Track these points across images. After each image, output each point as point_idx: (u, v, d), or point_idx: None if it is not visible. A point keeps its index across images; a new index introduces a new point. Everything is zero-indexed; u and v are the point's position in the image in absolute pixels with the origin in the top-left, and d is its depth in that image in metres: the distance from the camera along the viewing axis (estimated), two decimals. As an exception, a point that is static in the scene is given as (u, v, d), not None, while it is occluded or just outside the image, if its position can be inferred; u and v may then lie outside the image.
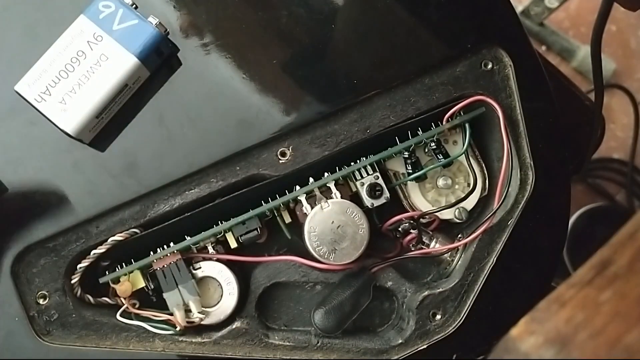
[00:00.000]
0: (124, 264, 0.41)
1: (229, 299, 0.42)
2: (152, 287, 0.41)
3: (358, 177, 0.42)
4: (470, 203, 0.44)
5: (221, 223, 0.41)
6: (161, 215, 0.41)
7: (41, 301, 0.41)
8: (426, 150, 0.44)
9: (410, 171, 0.43)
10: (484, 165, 0.45)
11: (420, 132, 0.43)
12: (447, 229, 0.45)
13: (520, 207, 0.43)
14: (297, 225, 0.42)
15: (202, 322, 0.41)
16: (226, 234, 0.42)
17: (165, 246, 0.41)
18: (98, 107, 0.39)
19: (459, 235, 0.45)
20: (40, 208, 0.40)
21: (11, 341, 0.40)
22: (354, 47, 0.43)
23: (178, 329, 0.41)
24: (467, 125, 0.43)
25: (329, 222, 0.41)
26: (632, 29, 1.11)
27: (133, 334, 0.41)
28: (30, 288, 0.40)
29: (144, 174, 0.41)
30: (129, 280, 0.41)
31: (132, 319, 0.41)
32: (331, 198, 0.41)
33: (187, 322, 0.41)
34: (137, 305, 0.41)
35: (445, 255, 0.45)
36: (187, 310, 0.41)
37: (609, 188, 1.08)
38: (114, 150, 0.41)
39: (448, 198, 0.45)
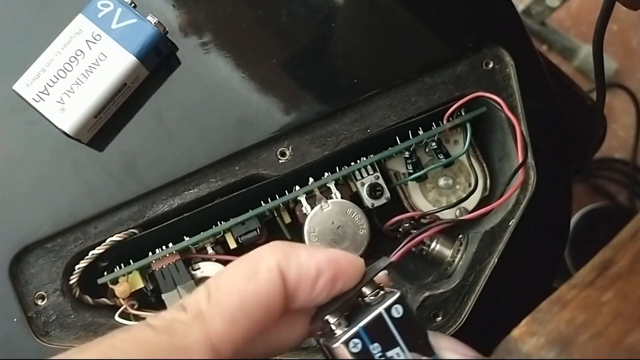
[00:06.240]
0: (122, 264, 0.41)
1: (229, 299, 0.42)
2: (151, 287, 0.41)
3: (358, 177, 0.42)
4: (471, 203, 0.44)
5: (220, 223, 0.41)
6: (160, 215, 0.41)
7: (39, 302, 0.40)
8: (427, 150, 0.44)
9: (411, 171, 0.43)
10: (485, 165, 0.45)
11: (420, 132, 0.42)
12: (448, 230, 0.45)
13: (521, 207, 0.43)
14: (297, 226, 0.42)
15: (201, 323, 0.41)
16: (225, 235, 0.41)
17: (164, 247, 0.41)
18: (96, 106, 0.39)
19: (460, 236, 0.45)
20: (38, 208, 0.40)
21: (9, 342, 0.40)
22: (354, 46, 0.43)
23: (177, 329, 0.40)
24: (468, 124, 0.43)
25: (329, 222, 0.40)
26: (634, 28, 1.11)
27: (132, 335, 0.41)
28: (29, 289, 0.40)
29: (143, 174, 0.41)
30: (128, 281, 0.41)
31: (130, 320, 0.40)
32: (331, 198, 0.41)
33: (186, 323, 0.40)
34: (135, 306, 0.41)
35: (447, 255, 0.45)
36: (186, 311, 0.41)
37: (610, 188, 1.07)
38: (113, 150, 0.41)
39: (449, 198, 0.45)
